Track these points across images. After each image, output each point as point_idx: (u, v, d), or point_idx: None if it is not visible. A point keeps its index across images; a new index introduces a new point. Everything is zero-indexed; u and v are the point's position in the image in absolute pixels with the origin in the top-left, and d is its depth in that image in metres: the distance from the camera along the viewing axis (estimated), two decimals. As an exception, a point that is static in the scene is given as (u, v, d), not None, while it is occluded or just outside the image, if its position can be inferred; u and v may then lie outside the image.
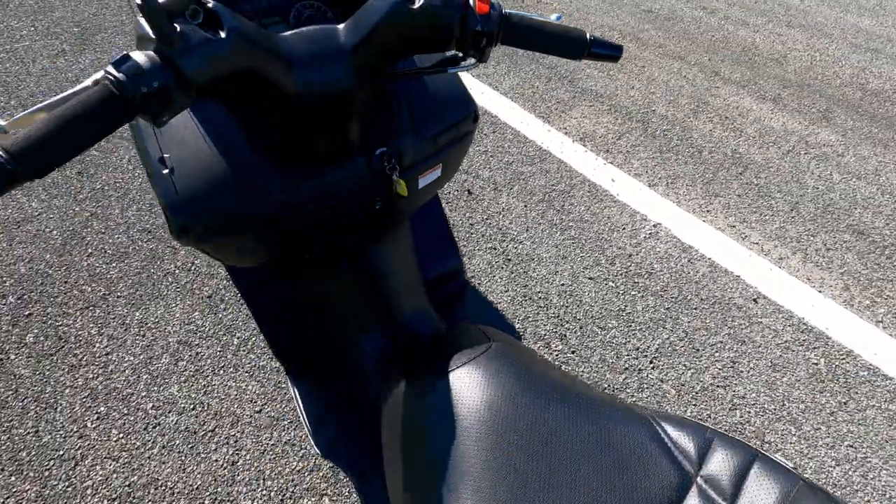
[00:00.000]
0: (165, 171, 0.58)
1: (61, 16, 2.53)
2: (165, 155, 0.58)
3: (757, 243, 1.52)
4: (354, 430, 0.85)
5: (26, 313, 1.34)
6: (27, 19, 2.50)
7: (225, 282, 1.41)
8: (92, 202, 1.62)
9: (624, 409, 0.51)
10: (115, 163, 1.75)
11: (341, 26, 0.51)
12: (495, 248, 1.49)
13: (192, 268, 1.44)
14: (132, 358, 1.25)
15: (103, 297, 1.37)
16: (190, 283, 1.41)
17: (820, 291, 1.39)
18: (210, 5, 0.42)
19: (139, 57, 0.39)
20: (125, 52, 0.39)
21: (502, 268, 1.44)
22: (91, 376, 1.22)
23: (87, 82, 0.41)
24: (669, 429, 0.49)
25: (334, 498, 1.04)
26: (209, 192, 0.56)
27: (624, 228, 1.56)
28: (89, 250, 1.48)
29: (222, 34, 0.42)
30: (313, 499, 1.04)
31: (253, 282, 0.85)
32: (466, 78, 2.07)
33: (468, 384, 0.52)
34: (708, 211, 1.62)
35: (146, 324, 1.32)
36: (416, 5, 0.47)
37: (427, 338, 0.72)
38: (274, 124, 0.55)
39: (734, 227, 1.57)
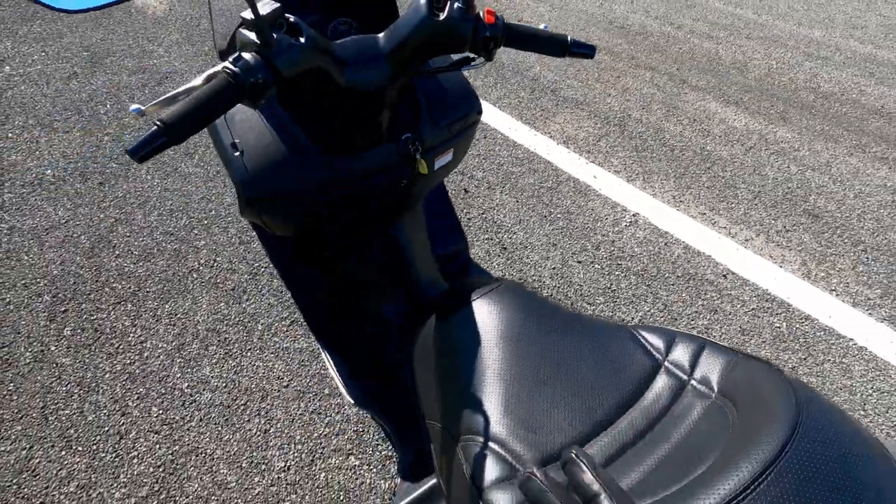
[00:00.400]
0: (237, 154, 0.72)
1: (70, 41, 2.66)
2: (236, 140, 0.73)
3: (725, 227, 1.70)
4: (381, 383, 0.98)
5: (62, 310, 1.45)
6: (37, 45, 2.63)
7: (246, 276, 1.53)
8: (115, 209, 1.74)
9: (612, 324, 0.65)
10: (134, 174, 1.87)
11: (381, 35, 0.66)
12: (491, 239, 1.64)
13: (215, 264, 1.56)
14: (165, 345, 1.36)
15: (133, 293, 1.49)
16: (213, 277, 1.53)
17: (781, 266, 1.56)
18: (292, 20, 0.57)
19: (248, 57, 0.53)
20: (238, 54, 0.53)
21: (499, 255, 1.59)
22: (128, 362, 1.33)
23: (209, 73, 0.55)
24: (645, 333, 0.63)
25: (359, 456, 1.16)
26: (272, 172, 0.71)
27: (606, 218, 1.72)
28: (117, 252, 1.60)
29: (302, 40, 0.57)
30: (340, 457, 1.16)
31: (290, 260, 0.99)
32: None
33: (489, 309, 0.67)
34: (681, 201, 1.79)
35: (176, 315, 1.43)
36: (440, 18, 0.63)
37: (439, 302, 0.86)
38: (324, 116, 0.70)
39: (704, 214, 1.74)
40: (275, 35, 0.54)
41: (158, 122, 0.49)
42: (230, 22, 0.73)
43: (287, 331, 1.39)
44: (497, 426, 0.56)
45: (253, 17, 0.52)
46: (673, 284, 1.51)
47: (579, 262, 1.58)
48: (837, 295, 1.49)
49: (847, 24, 2.97)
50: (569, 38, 0.69)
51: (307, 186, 0.72)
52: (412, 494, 0.84)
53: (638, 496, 0.43)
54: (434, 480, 0.85)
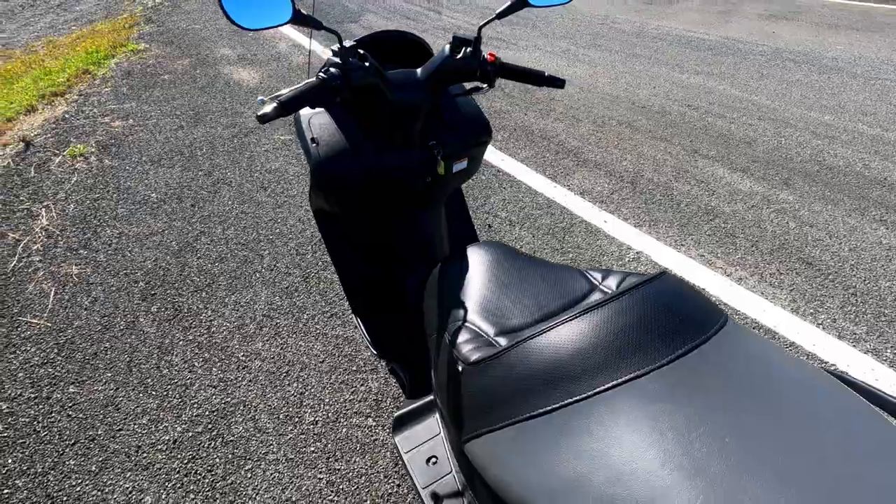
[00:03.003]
0: (314, 146, 1.05)
1: (180, 103, 3.29)
2: (314, 135, 1.06)
3: (721, 268, 1.87)
4: (399, 335, 1.21)
5: (152, 293, 1.79)
6: (155, 105, 3.27)
7: (299, 279, 1.84)
8: (201, 224, 2.13)
9: (571, 267, 0.89)
10: (219, 199, 2.29)
11: (418, 70, 0.99)
12: (508, 263, 1.89)
13: (275, 269, 1.88)
14: (228, 324, 1.65)
15: (208, 285, 1.81)
16: (272, 278, 1.84)
17: (771, 301, 1.71)
18: (362, 52, 0.91)
19: (333, 70, 0.86)
20: (327, 68, 0.87)
21: (512, 276, 1.83)
22: (198, 334, 1.62)
23: (312, 79, 0.89)
24: (591, 271, 0.86)
25: (376, 419, 1.36)
26: (337, 158, 1.02)
27: (613, 254, 1.95)
28: (198, 255, 1.96)
29: (367, 64, 0.90)
30: (360, 418, 1.36)
31: (339, 240, 1.28)
32: (494, 140, 2.60)
33: (478, 256, 0.92)
34: (682, 244, 2.00)
35: (239, 303, 1.73)
36: (457, 58, 0.95)
37: None
38: (377, 122, 1.02)
39: (703, 255, 1.93)
40: (351, 59, 0.88)
41: (277, 101, 0.81)
42: (318, 65, 1.09)
43: (327, 321, 1.66)
44: (472, 314, 0.79)
45: (339, 47, 0.86)
46: (667, 309, 1.68)
47: (583, 286, 1.79)
48: (824, 328, 1.61)
49: (857, 111, 3.20)
50: (545, 73, 0.99)
51: (360, 170, 1.03)
52: (411, 405, 1.04)
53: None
54: (430, 397, 1.05)
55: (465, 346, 0.72)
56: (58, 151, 2.72)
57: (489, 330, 0.76)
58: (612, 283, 0.82)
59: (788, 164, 2.59)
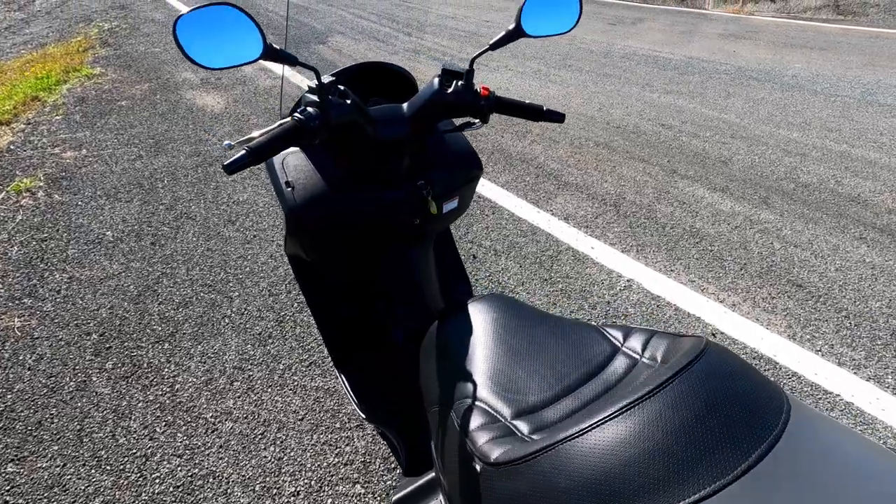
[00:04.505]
0: (289, 189, 0.93)
1: (139, 131, 3.11)
2: (289, 179, 0.94)
3: (713, 293, 1.83)
4: (389, 394, 1.09)
5: (106, 346, 1.61)
6: (111, 133, 3.07)
7: (273, 323, 1.69)
8: (162, 264, 1.96)
9: (582, 322, 0.80)
10: (182, 236, 2.12)
11: (404, 105, 0.89)
12: (496, 297, 1.80)
13: (245, 312, 1.73)
14: (195, 380, 1.49)
15: (171, 335, 1.65)
16: (243, 324, 1.69)
17: (767, 328, 1.67)
18: (342, 88, 0.80)
19: (310, 110, 0.76)
20: (303, 107, 0.76)
21: (502, 311, 1.73)
22: (160, 393, 1.45)
23: (286, 120, 0.77)
24: (608, 328, 0.77)
25: (364, 485, 1.23)
26: (315, 201, 0.91)
27: (603, 283, 1.88)
28: (159, 300, 1.79)
29: (348, 101, 0.79)
30: (347, 485, 1.22)
31: (318, 288, 1.16)
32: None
33: (481, 311, 0.82)
34: (672, 270, 1.95)
35: (207, 354, 1.58)
36: (448, 91, 0.86)
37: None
38: (359, 161, 0.91)
39: (694, 281, 1.89)
40: (329, 97, 0.77)
41: (246, 148, 0.70)
42: (290, 100, 0.99)
43: (306, 371, 1.52)
44: (483, 390, 0.69)
45: (317, 84, 0.75)
46: (665, 341, 1.62)
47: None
48: (823, 355, 1.57)
49: (822, 128, 3.29)
50: (544, 107, 0.91)
51: (341, 214, 0.92)
52: (411, 486, 0.92)
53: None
54: (431, 475, 0.93)
55: (481, 436, 0.61)
56: (0, 187, 2.49)
57: (504, 410, 0.66)
58: (636, 343, 0.73)
59: (765, 182, 2.60)
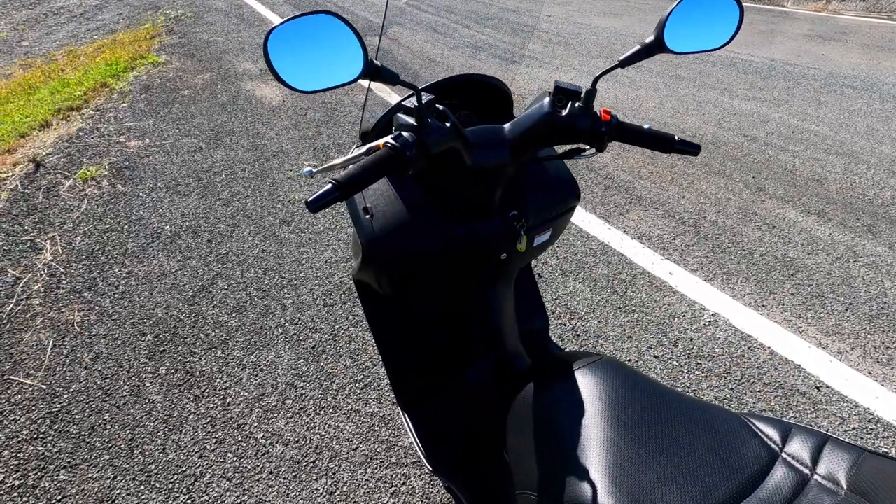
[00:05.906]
0: (368, 217, 0.82)
1: (200, 122, 3.12)
2: (368, 204, 0.83)
3: (814, 337, 1.61)
4: (465, 450, 0.97)
5: (161, 349, 1.57)
6: (173, 123, 3.09)
7: (327, 336, 1.61)
8: (218, 264, 1.92)
9: (720, 408, 0.65)
10: (238, 235, 2.08)
11: (506, 126, 0.76)
12: (565, 325, 1.65)
13: (299, 322, 1.66)
14: (246, 394, 1.43)
15: (224, 342, 1.59)
16: (297, 335, 1.62)
17: (883, 385, 1.44)
18: (440, 108, 0.68)
19: (406, 135, 0.64)
20: (398, 133, 0.64)
21: (572, 341, 1.58)
22: (211, 406, 1.40)
23: (370, 146, 0.66)
24: (757, 422, 0.62)
25: (423, 534, 1.12)
26: (397, 234, 0.80)
27: (684, 315, 1.69)
28: (214, 303, 1.74)
29: (447, 125, 0.67)
30: (404, 532, 1.12)
31: (388, 322, 1.05)
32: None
33: (592, 380, 0.68)
34: (763, 305, 1.74)
35: (259, 366, 1.51)
36: (563, 114, 0.72)
37: (521, 373, 0.88)
38: (449, 189, 0.79)
39: (790, 321, 1.67)
40: (429, 120, 0.65)
41: (333, 181, 0.59)
42: (375, 113, 0.87)
43: (360, 393, 1.43)
44: (605, 497, 0.55)
45: (415, 104, 0.63)
46: (759, 391, 1.43)
47: (656, 356, 1.54)
48: (955, 424, 1.34)
49: (934, 146, 2.92)
50: (676, 137, 0.76)
51: (424, 249, 0.80)
52: None
53: None
54: None
55: None
56: (69, 174, 2.54)
57: None
58: (801, 451, 0.57)
59: (868, 207, 2.32)
